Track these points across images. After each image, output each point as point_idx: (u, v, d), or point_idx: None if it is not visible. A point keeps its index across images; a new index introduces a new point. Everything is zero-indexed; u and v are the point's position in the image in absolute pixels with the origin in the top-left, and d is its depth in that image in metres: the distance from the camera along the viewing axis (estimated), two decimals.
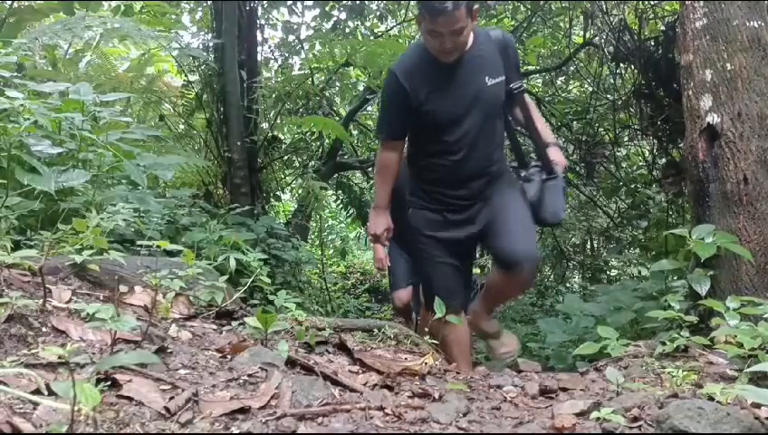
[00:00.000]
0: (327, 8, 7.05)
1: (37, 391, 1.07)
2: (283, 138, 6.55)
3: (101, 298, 1.75)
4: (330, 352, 1.91)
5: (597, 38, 6.14)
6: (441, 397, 1.49)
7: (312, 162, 6.90)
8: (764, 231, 2.33)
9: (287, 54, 7.06)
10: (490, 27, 2.71)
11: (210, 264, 2.29)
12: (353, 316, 6.83)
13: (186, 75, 5.50)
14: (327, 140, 6.90)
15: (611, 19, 5.64)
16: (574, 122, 6.68)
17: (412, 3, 7.15)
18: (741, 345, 1.74)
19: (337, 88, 7.15)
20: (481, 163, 2.55)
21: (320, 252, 8.03)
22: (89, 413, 0.97)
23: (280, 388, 1.32)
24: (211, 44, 5.39)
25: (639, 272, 6.78)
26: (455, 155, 2.52)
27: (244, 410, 1.19)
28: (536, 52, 7.07)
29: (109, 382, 1.17)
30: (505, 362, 2.75)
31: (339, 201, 8.31)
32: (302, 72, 6.13)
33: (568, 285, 8.28)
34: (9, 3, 4.49)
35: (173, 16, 5.92)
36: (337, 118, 6.90)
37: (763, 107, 2.41)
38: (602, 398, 1.52)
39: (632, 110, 5.75)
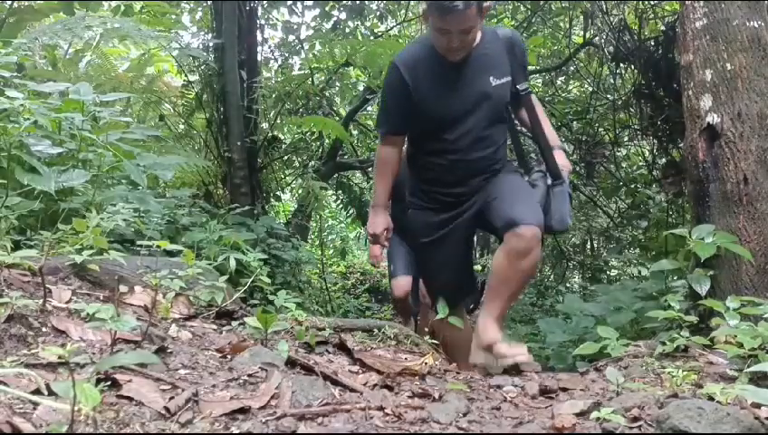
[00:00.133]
0: (327, 8, 7.05)
1: (37, 391, 1.07)
2: (283, 138, 6.55)
3: (101, 298, 1.75)
4: (330, 352, 1.91)
5: (597, 38, 6.14)
6: (441, 397, 1.49)
7: (312, 162, 6.90)
8: (764, 231, 2.33)
9: (287, 54, 7.06)
10: (498, 26, 2.62)
11: (210, 264, 2.29)
12: (353, 316, 6.83)
13: (186, 75, 5.51)
14: (327, 140, 6.90)
15: (611, 19, 5.64)
16: (574, 122, 6.68)
17: (412, 3, 7.16)
18: (741, 345, 1.74)
19: (337, 88, 7.15)
20: (481, 163, 2.50)
21: (320, 252, 8.03)
22: (89, 413, 0.97)
23: (280, 388, 1.32)
24: (211, 44, 5.39)
25: (639, 272, 6.79)
26: (454, 154, 2.47)
27: (244, 410, 1.19)
28: (536, 52, 7.06)
29: (109, 382, 1.17)
30: (505, 364, 2.64)
31: (339, 201, 8.31)
32: (302, 72, 6.13)
33: (568, 285, 8.28)
34: (9, 3, 4.49)
35: (173, 16, 5.92)
36: (337, 118, 6.90)
37: (763, 107, 2.41)
38: (602, 398, 1.52)
39: (632, 110, 5.75)
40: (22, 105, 2.17)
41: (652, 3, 5.46)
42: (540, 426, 1.28)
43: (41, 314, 1.46)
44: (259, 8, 6.16)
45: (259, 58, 6.05)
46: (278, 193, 6.62)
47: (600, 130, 6.50)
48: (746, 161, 2.37)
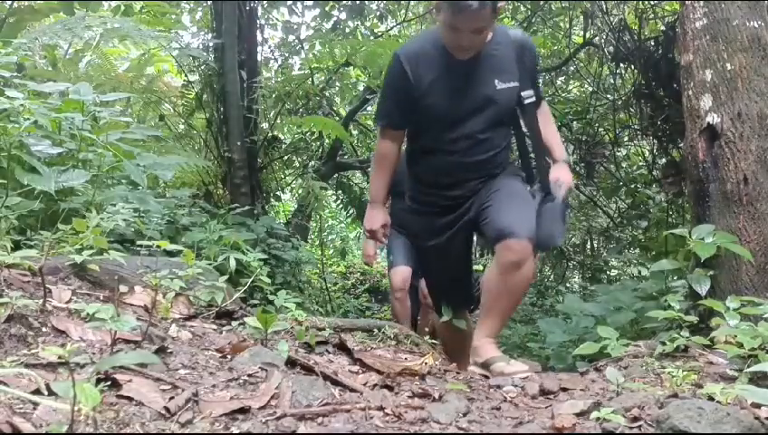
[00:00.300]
0: (327, 8, 7.05)
1: (37, 391, 1.07)
2: (283, 138, 6.56)
3: (101, 298, 1.75)
4: (330, 352, 1.91)
5: (597, 38, 6.14)
6: (441, 397, 1.49)
7: (312, 162, 6.91)
8: (764, 231, 2.33)
9: (287, 54, 7.06)
10: (509, 26, 2.53)
11: (210, 264, 2.29)
12: (353, 316, 6.83)
13: (186, 75, 5.51)
14: (327, 140, 6.90)
15: (611, 19, 5.65)
16: (574, 122, 6.68)
17: (412, 3, 7.16)
18: (741, 345, 1.74)
19: (337, 88, 7.15)
20: (480, 166, 2.41)
21: (320, 252, 8.03)
22: (89, 413, 0.97)
23: (280, 388, 1.32)
24: (211, 44, 5.39)
25: (639, 272, 6.79)
26: (452, 156, 2.39)
27: (244, 410, 1.19)
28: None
29: (109, 382, 1.17)
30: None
31: (339, 201, 8.32)
32: (302, 72, 6.14)
33: (568, 285, 8.29)
34: (9, 3, 4.49)
35: (173, 16, 5.93)
36: (337, 118, 6.91)
37: (763, 107, 2.41)
38: (602, 398, 1.52)
39: (632, 110, 5.76)
40: (22, 105, 2.17)
41: (652, 3, 5.46)
42: (540, 426, 1.28)
43: (41, 314, 1.46)
44: (259, 8, 6.16)
45: (259, 58, 6.05)
46: (278, 193, 6.63)
47: (600, 130, 6.50)
48: (746, 161, 2.37)
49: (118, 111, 3.04)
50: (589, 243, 8.06)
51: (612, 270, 7.93)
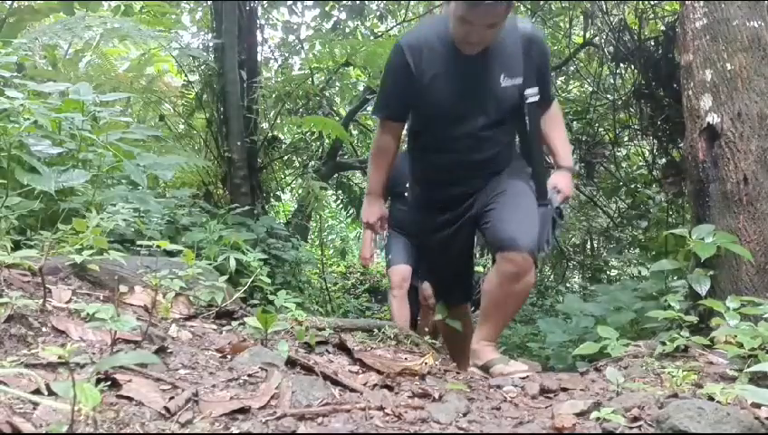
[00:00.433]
0: (327, 8, 7.05)
1: (37, 391, 1.07)
2: (283, 138, 6.56)
3: (101, 298, 1.75)
4: (330, 352, 1.91)
5: (597, 38, 6.14)
6: (441, 397, 1.49)
7: (312, 162, 6.91)
8: (764, 231, 2.33)
9: (287, 54, 7.07)
10: (519, 17, 2.33)
11: (210, 264, 2.29)
12: (353, 316, 6.83)
13: (186, 75, 5.51)
14: (327, 140, 6.90)
15: (611, 19, 5.65)
16: (574, 122, 6.68)
17: (412, 3, 7.16)
18: (741, 345, 1.74)
19: (337, 88, 7.16)
20: (482, 165, 2.34)
21: (320, 252, 8.03)
22: (89, 413, 0.97)
23: (280, 388, 1.32)
24: (211, 44, 5.40)
25: (639, 272, 6.80)
26: (453, 153, 2.32)
27: (244, 410, 1.19)
28: None
29: (109, 382, 1.17)
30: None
31: (339, 201, 8.32)
32: (302, 72, 6.14)
33: (568, 285, 8.29)
34: (9, 3, 4.49)
35: (173, 16, 5.93)
36: (337, 118, 6.91)
37: (763, 107, 2.41)
38: (602, 398, 1.52)
39: (632, 110, 5.76)
40: (22, 105, 2.17)
41: (652, 3, 5.46)
42: (540, 426, 1.28)
43: (41, 314, 1.46)
44: (259, 8, 6.17)
45: (259, 58, 6.06)
46: (278, 193, 6.63)
47: (600, 130, 6.51)
48: (746, 161, 2.37)
49: (118, 111, 3.04)
50: (589, 243, 8.06)
51: (612, 270, 7.93)
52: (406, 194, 3.82)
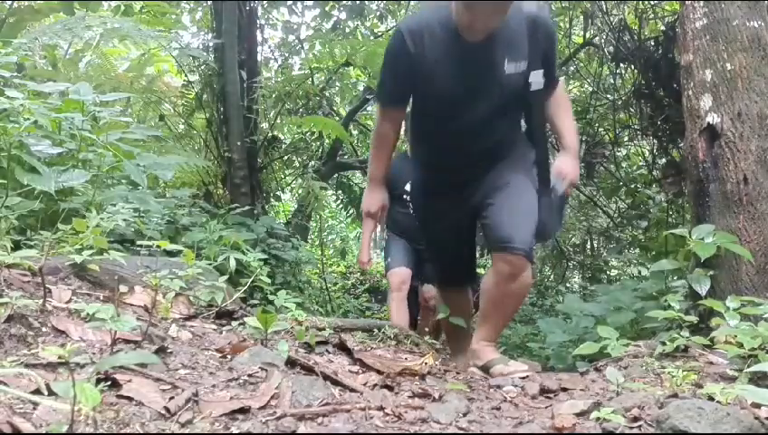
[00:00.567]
0: (327, 8, 7.05)
1: (37, 391, 1.07)
2: (283, 138, 6.56)
3: (101, 298, 1.75)
4: (330, 352, 1.91)
5: (597, 38, 6.14)
6: (441, 397, 1.49)
7: (312, 162, 6.91)
8: (764, 231, 2.33)
9: (287, 54, 7.07)
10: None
11: (210, 264, 2.29)
12: (353, 316, 6.83)
13: (186, 75, 5.51)
14: (327, 140, 6.90)
15: (611, 19, 5.65)
16: (574, 122, 6.67)
17: (412, 3, 7.16)
18: (741, 345, 1.74)
19: (337, 88, 7.16)
20: (485, 153, 2.28)
21: (320, 252, 8.03)
22: (89, 413, 0.97)
23: (280, 388, 1.32)
24: (211, 44, 5.40)
25: (639, 272, 6.79)
26: (455, 140, 2.26)
27: (244, 410, 1.19)
28: None
29: (109, 382, 1.17)
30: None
31: (339, 201, 8.32)
32: (302, 72, 6.14)
33: (568, 285, 8.29)
34: (9, 3, 4.49)
35: (173, 16, 5.93)
36: (337, 118, 6.91)
37: (763, 107, 2.41)
38: (602, 398, 1.52)
39: (632, 110, 5.76)
40: (22, 105, 2.16)
41: (652, 3, 5.46)
42: (540, 426, 1.28)
43: (41, 314, 1.46)
44: (259, 8, 6.17)
45: (259, 58, 6.05)
46: (278, 193, 6.63)
47: (600, 130, 6.50)
48: (746, 161, 2.37)
49: (118, 111, 3.04)
50: (589, 243, 8.06)
51: (612, 270, 7.93)
52: (404, 196, 3.83)
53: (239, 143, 5.01)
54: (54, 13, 4.80)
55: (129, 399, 1.14)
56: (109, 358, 1.25)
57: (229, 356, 1.56)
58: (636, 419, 1.27)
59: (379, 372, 1.72)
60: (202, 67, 5.31)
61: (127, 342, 1.45)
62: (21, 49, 3.26)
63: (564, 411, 1.36)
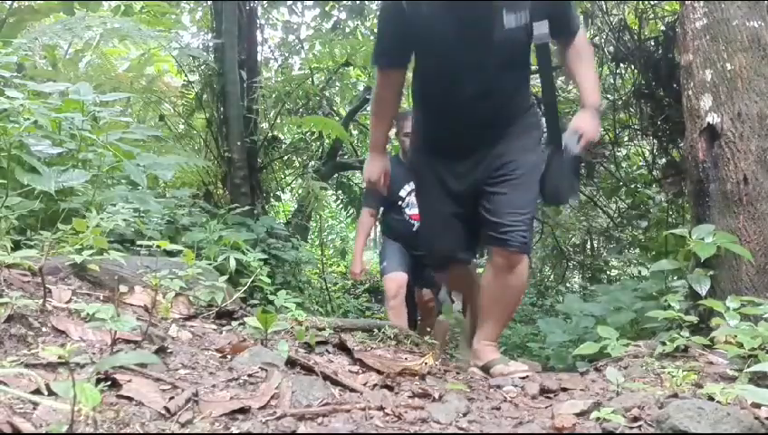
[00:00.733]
0: (327, 8, 7.05)
1: (37, 391, 1.07)
2: (283, 138, 6.56)
3: (101, 298, 1.75)
4: (330, 352, 1.91)
5: (597, 38, 6.14)
6: (441, 397, 1.49)
7: (312, 162, 6.91)
8: (764, 231, 2.33)
9: (287, 54, 7.07)
10: None
11: (210, 264, 2.29)
12: (353, 316, 6.83)
13: (186, 75, 5.51)
14: (327, 140, 6.90)
15: (611, 19, 5.65)
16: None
17: None
18: (741, 345, 1.74)
19: (337, 88, 7.16)
20: (490, 115, 2.14)
21: (320, 252, 8.03)
22: (89, 413, 0.97)
23: (280, 388, 1.32)
24: (211, 44, 5.40)
25: (639, 272, 6.80)
26: (456, 103, 2.13)
27: (244, 410, 1.19)
28: None
29: (109, 382, 1.17)
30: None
31: (339, 201, 8.32)
32: (302, 72, 6.14)
33: (568, 285, 8.29)
34: (9, 3, 4.49)
35: (173, 16, 5.93)
36: (337, 118, 6.91)
37: (763, 107, 2.41)
38: (602, 398, 1.52)
39: (632, 110, 5.76)
40: (22, 105, 2.16)
41: (652, 3, 5.46)
42: (540, 426, 1.28)
43: (41, 314, 1.46)
44: (259, 8, 6.16)
45: (259, 58, 6.05)
46: (278, 193, 6.63)
47: (600, 130, 6.50)
48: (746, 161, 2.37)
49: (118, 111, 3.04)
50: (589, 243, 8.06)
51: (612, 270, 7.93)
52: (399, 202, 3.84)
53: (239, 143, 5.01)
54: (54, 13, 4.80)
55: (129, 399, 1.14)
56: (109, 358, 1.25)
57: (229, 356, 1.56)
58: (636, 419, 1.27)
59: (379, 372, 1.72)
60: (202, 67, 5.32)
61: (127, 342, 1.45)
62: (21, 49, 3.26)
63: (564, 411, 1.36)
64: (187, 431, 1.08)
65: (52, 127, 2.46)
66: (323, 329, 2.06)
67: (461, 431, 1.25)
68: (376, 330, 2.35)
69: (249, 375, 1.42)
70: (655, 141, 5.53)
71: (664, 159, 5.45)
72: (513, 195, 2.18)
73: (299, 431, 1.13)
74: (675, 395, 1.46)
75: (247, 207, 4.63)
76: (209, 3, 5.80)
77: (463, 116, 2.17)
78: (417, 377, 1.74)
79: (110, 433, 1.01)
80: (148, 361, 1.27)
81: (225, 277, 2.10)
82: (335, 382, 1.49)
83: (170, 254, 2.16)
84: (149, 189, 3.03)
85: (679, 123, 3.27)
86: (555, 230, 7.62)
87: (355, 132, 7.66)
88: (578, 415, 1.33)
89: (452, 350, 3.67)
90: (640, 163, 6.61)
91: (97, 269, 1.82)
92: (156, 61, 5.71)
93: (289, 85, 5.48)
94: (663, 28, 5.05)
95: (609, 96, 6.23)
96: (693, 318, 2.13)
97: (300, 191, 7.02)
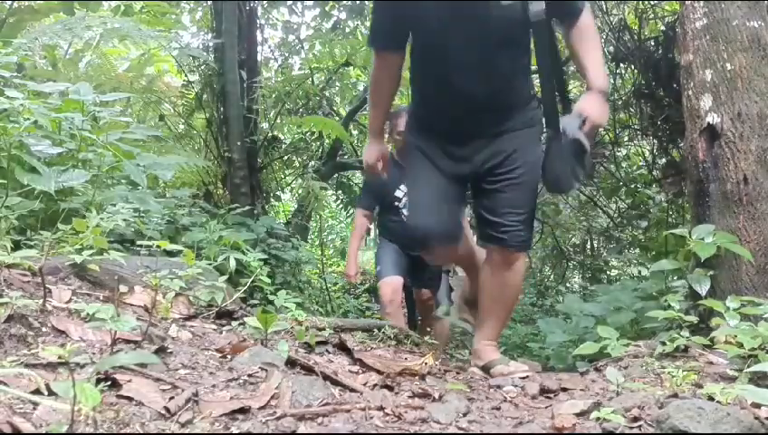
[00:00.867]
0: (327, 8, 7.05)
1: (37, 391, 1.07)
2: (283, 138, 6.56)
3: (101, 298, 1.75)
4: (330, 352, 1.92)
5: None
6: (441, 397, 1.49)
7: (312, 162, 6.91)
8: (764, 231, 2.33)
9: (287, 54, 7.07)
10: None
11: (210, 264, 2.29)
12: (353, 316, 6.83)
13: (186, 75, 5.51)
14: (327, 140, 6.90)
15: (611, 19, 5.64)
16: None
17: None
18: (741, 345, 1.74)
19: (337, 88, 7.16)
20: (487, 96, 2.06)
21: (320, 252, 8.03)
22: (89, 413, 0.97)
23: (280, 388, 1.32)
24: (211, 44, 5.40)
25: (639, 272, 6.80)
26: (452, 84, 2.06)
27: (244, 410, 1.19)
28: None
29: (109, 382, 1.17)
30: None
31: (339, 201, 8.32)
32: (302, 72, 6.14)
33: (568, 285, 8.29)
34: (9, 3, 4.49)
35: (173, 16, 5.93)
36: (337, 118, 6.91)
37: (763, 107, 2.41)
38: (602, 398, 1.52)
39: (632, 110, 5.75)
40: (22, 105, 2.17)
41: (652, 3, 5.46)
42: (540, 426, 1.28)
43: (41, 314, 1.46)
44: (259, 8, 6.17)
45: (259, 58, 6.05)
46: (278, 193, 6.63)
47: (600, 129, 6.50)
48: (746, 161, 2.37)
49: (118, 111, 3.04)
50: (589, 243, 8.06)
51: (612, 270, 7.93)
52: (396, 204, 3.83)
53: (239, 143, 5.01)
54: (54, 13, 4.80)
55: (129, 399, 1.14)
56: (109, 358, 1.25)
57: (229, 356, 1.56)
58: (636, 419, 1.27)
59: (379, 372, 1.73)
60: (202, 67, 5.32)
61: (127, 342, 1.45)
62: (21, 49, 3.26)
63: (564, 411, 1.36)
64: (187, 431, 1.08)
65: (52, 127, 2.46)
66: (323, 329, 2.06)
67: (461, 431, 1.25)
68: (376, 330, 2.35)
69: (249, 375, 1.42)
70: (655, 141, 5.53)
71: (664, 159, 5.45)
72: (513, 194, 2.16)
73: (299, 431, 1.13)
74: (675, 395, 1.46)
75: (247, 207, 4.63)
76: (209, 3, 5.80)
77: (459, 97, 2.09)
78: (417, 377, 1.75)
79: (110, 433, 1.01)
80: (148, 361, 1.27)
81: (225, 277, 2.10)
82: (335, 382, 1.49)
83: (170, 254, 2.16)
84: (149, 189, 3.03)
85: (679, 123, 3.27)
86: (555, 230, 7.63)
87: (355, 132, 7.65)
88: (578, 415, 1.33)
89: (452, 350, 3.66)
90: (640, 163, 6.61)
91: (97, 269, 1.82)
92: (156, 61, 5.71)
93: (289, 85, 5.49)
94: (663, 28, 5.05)
95: (609, 96, 6.22)
96: (693, 318, 2.13)
97: (300, 191, 7.02)
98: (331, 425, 1.19)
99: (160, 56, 5.57)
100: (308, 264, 6.22)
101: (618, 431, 1.22)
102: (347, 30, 7.09)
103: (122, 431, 1.02)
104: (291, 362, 1.57)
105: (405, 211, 3.81)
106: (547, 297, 7.79)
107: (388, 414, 1.28)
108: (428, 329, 3.27)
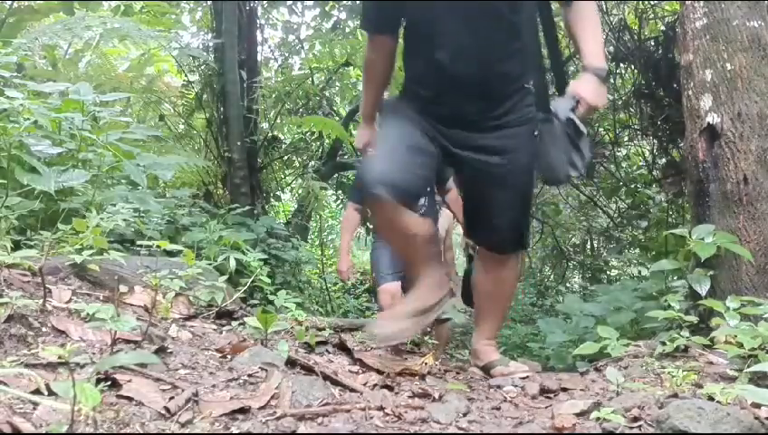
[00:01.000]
0: (327, 8, 7.05)
1: (37, 391, 1.07)
2: (283, 138, 6.57)
3: (101, 298, 1.75)
4: (330, 352, 1.92)
5: None
6: (441, 397, 1.49)
7: (312, 162, 6.91)
8: (764, 231, 2.33)
9: (287, 54, 7.07)
10: None
11: (210, 264, 2.29)
12: (353, 316, 6.83)
13: (186, 75, 5.52)
14: (327, 140, 6.90)
15: (611, 19, 5.65)
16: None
17: None
18: (741, 345, 1.73)
19: (337, 88, 7.16)
20: (479, 79, 1.95)
21: (320, 252, 8.03)
22: (89, 413, 0.97)
23: (280, 388, 1.32)
24: (211, 44, 5.40)
25: (639, 272, 6.80)
26: (446, 65, 1.95)
27: (244, 410, 1.19)
28: None
29: (109, 382, 1.17)
30: None
31: (339, 201, 8.31)
32: (302, 72, 6.14)
33: (568, 285, 8.30)
34: (9, 3, 4.49)
35: (173, 16, 5.93)
36: (337, 118, 6.91)
37: (763, 107, 2.41)
38: (602, 398, 1.52)
39: (632, 110, 5.76)
40: (22, 105, 2.17)
41: (652, 3, 5.46)
42: (540, 426, 1.28)
43: (41, 314, 1.46)
44: (259, 8, 6.17)
45: (259, 58, 6.06)
46: (278, 193, 6.63)
47: (600, 130, 6.51)
48: (746, 161, 2.37)
49: (118, 111, 3.04)
50: (589, 243, 8.06)
51: (612, 270, 7.93)
52: None
53: (239, 143, 5.02)
54: (54, 13, 4.80)
55: (129, 399, 1.14)
56: (109, 358, 1.25)
57: (229, 356, 1.56)
58: (636, 419, 1.27)
59: (379, 372, 1.73)
60: (202, 67, 5.32)
61: (127, 342, 1.45)
62: (21, 49, 3.27)
63: (564, 411, 1.36)
64: (187, 431, 1.08)
65: (52, 127, 2.46)
66: (323, 329, 2.06)
67: (461, 431, 1.25)
68: None
69: (249, 375, 1.42)
70: (655, 141, 5.53)
71: (664, 159, 5.45)
72: (509, 194, 2.11)
73: (299, 431, 1.13)
74: (675, 395, 1.46)
75: (247, 207, 4.64)
76: (209, 3, 5.80)
77: (450, 81, 1.97)
78: (417, 377, 1.75)
79: (110, 433, 1.01)
80: (148, 361, 1.27)
81: (225, 277, 2.10)
82: (335, 382, 1.49)
83: (170, 254, 2.16)
84: (149, 189, 3.03)
85: (679, 123, 3.27)
86: (555, 230, 7.63)
87: (355, 132, 7.65)
88: (578, 415, 1.33)
89: (452, 350, 3.66)
90: (640, 163, 6.62)
91: (97, 269, 1.82)
92: (156, 61, 5.71)
93: (289, 85, 5.49)
94: (663, 28, 5.05)
95: (609, 96, 6.22)
96: (693, 318, 2.13)
97: (300, 191, 7.03)
98: (331, 425, 1.19)
99: (160, 56, 5.57)
100: (308, 264, 6.23)
101: (618, 431, 1.22)
102: (347, 30, 7.08)
103: (122, 431, 1.02)
104: (291, 362, 1.57)
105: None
106: (547, 297, 7.79)
107: (388, 414, 1.28)
108: (428, 329, 3.27)
